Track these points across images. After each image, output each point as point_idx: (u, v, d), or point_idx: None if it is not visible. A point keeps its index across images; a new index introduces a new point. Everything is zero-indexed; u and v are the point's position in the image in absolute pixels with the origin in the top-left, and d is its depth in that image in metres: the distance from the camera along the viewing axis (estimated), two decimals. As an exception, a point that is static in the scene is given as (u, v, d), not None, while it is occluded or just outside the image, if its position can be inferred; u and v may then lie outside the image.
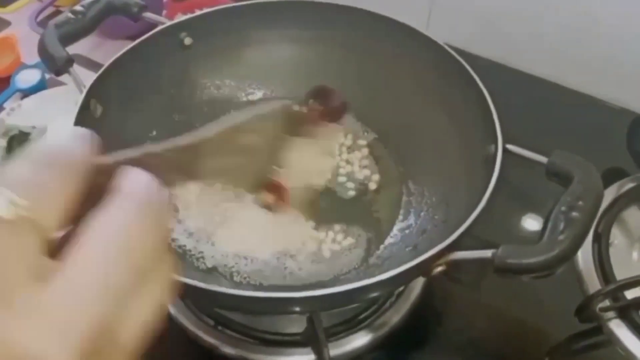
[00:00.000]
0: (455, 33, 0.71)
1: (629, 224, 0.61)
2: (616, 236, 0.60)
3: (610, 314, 0.53)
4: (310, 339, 0.51)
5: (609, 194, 0.62)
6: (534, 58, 0.78)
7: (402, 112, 0.60)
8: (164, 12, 0.83)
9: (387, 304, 0.55)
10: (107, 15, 0.59)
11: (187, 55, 0.61)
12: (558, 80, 0.78)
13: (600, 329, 0.53)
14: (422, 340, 0.55)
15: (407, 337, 0.54)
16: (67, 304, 0.17)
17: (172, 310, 0.54)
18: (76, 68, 0.55)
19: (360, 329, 0.53)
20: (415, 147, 0.59)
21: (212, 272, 0.53)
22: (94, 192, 0.19)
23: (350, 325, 0.53)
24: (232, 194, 0.56)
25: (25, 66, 0.79)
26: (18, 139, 0.68)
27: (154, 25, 0.59)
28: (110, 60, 0.54)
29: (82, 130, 0.20)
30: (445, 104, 0.56)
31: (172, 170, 0.24)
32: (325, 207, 0.58)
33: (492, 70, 0.79)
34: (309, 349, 0.51)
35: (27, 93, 0.76)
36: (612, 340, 0.53)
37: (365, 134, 0.63)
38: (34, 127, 0.69)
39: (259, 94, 0.66)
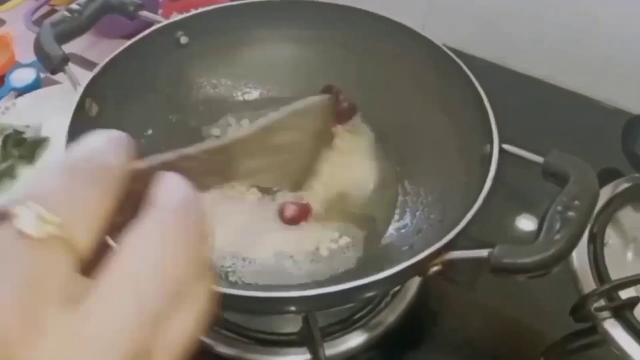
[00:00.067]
0: (453, 33, 0.71)
1: (624, 224, 0.62)
2: (611, 236, 0.60)
3: (605, 313, 0.54)
4: (305, 339, 0.51)
5: (604, 194, 0.62)
6: (531, 59, 0.79)
7: (400, 112, 0.60)
8: (160, 11, 0.83)
9: (383, 304, 0.55)
10: (103, 13, 0.59)
11: (183, 54, 0.61)
12: (554, 80, 0.78)
13: (595, 328, 0.54)
14: (417, 340, 0.55)
15: (403, 337, 0.54)
16: (101, 327, 0.15)
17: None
18: (71, 67, 0.54)
19: (355, 329, 0.53)
20: (413, 146, 0.59)
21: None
22: (128, 199, 0.18)
23: (345, 325, 0.53)
24: (231, 194, 0.55)
25: (20, 65, 0.78)
26: (12, 138, 0.67)
27: (149, 24, 0.59)
28: (106, 59, 0.54)
29: (117, 134, 0.19)
30: (442, 104, 0.56)
31: (207, 172, 0.23)
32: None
33: (488, 70, 0.79)
34: (304, 349, 0.51)
35: (21, 92, 0.75)
36: (607, 340, 0.53)
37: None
38: (28, 126, 0.69)
39: (255, 94, 0.66)
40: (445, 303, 0.58)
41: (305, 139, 0.29)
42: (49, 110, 0.69)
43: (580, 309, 0.53)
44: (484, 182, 0.45)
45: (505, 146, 0.48)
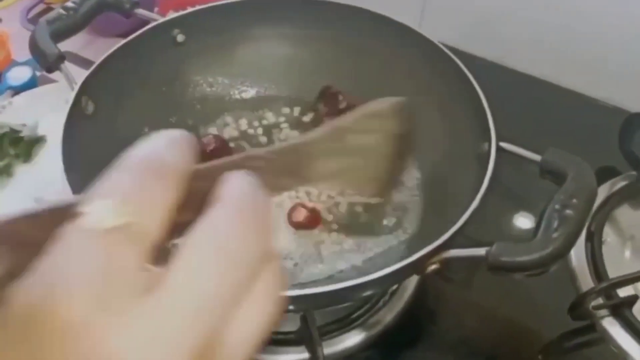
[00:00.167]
0: (450, 32, 0.71)
1: (621, 222, 0.62)
2: (609, 234, 0.60)
3: (603, 311, 0.54)
4: (304, 338, 0.51)
5: (602, 193, 0.62)
6: (528, 57, 0.79)
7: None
8: (156, 9, 0.82)
9: (381, 303, 0.55)
10: (99, 11, 0.59)
11: (180, 52, 0.61)
12: (552, 79, 0.78)
13: (593, 326, 0.54)
14: (415, 338, 0.55)
15: (401, 336, 0.54)
16: (171, 317, 0.16)
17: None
18: (67, 65, 0.54)
19: (353, 328, 0.53)
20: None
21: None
22: (193, 198, 0.18)
23: (344, 324, 0.53)
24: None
25: (16, 63, 0.78)
26: (9, 137, 0.67)
27: (145, 22, 0.59)
28: (102, 57, 0.54)
29: (178, 133, 0.19)
30: (440, 102, 0.56)
31: (278, 173, 0.23)
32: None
33: (486, 68, 0.79)
34: (302, 348, 0.51)
35: (17, 90, 0.75)
36: (605, 338, 0.53)
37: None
38: (24, 125, 0.68)
39: (251, 92, 0.66)
40: (442, 302, 0.58)
41: (382, 143, 0.28)
42: (45, 109, 0.69)
43: (578, 307, 0.53)
44: (481, 181, 0.45)
45: (503, 144, 0.48)
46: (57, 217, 0.17)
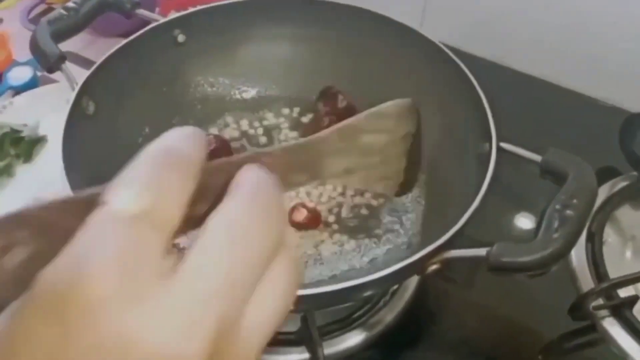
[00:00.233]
0: (451, 32, 0.71)
1: (622, 223, 0.62)
2: (609, 235, 0.60)
3: (604, 312, 0.54)
4: (304, 338, 0.51)
5: (602, 193, 0.62)
6: (529, 57, 0.79)
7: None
8: (157, 9, 0.82)
9: (381, 303, 0.55)
10: (100, 11, 0.58)
11: (180, 52, 0.61)
12: (552, 79, 0.78)
13: (593, 327, 0.54)
14: (415, 339, 0.55)
15: (401, 336, 0.54)
16: (192, 300, 0.17)
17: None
18: (68, 65, 0.54)
19: (354, 328, 0.53)
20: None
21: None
22: (204, 193, 0.19)
23: (344, 324, 0.53)
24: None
25: (17, 63, 0.78)
26: (9, 137, 0.67)
27: (146, 22, 0.59)
28: (103, 57, 0.54)
29: (194, 129, 0.20)
30: (440, 102, 0.56)
31: (291, 169, 0.23)
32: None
33: (486, 69, 0.79)
34: (303, 348, 0.51)
35: (18, 90, 0.75)
36: (606, 339, 0.53)
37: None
38: (25, 125, 0.68)
39: (252, 92, 0.66)
40: (443, 302, 0.58)
41: (393, 143, 0.29)
42: (46, 109, 0.69)
43: (578, 307, 0.53)
44: (482, 181, 0.45)
45: (504, 145, 0.48)
46: (82, 205, 0.18)
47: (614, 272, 0.56)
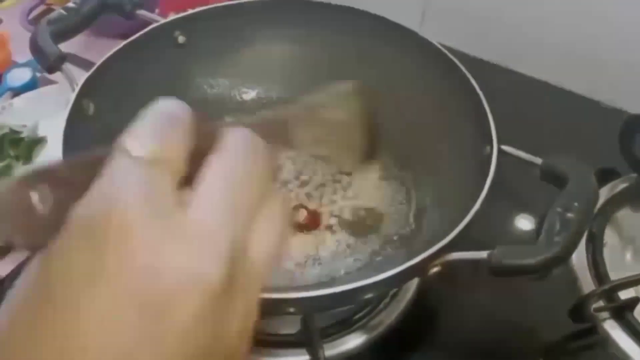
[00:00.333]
0: (451, 34, 0.71)
1: (623, 225, 0.62)
2: (610, 236, 0.60)
3: (604, 314, 0.54)
4: (304, 340, 0.51)
5: (602, 195, 0.62)
6: (529, 59, 0.79)
7: (396, 112, 0.60)
8: (157, 10, 0.82)
9: (382, 305, 0.55)
10: (100, 12, 0.58)
11: (181, 53, 0.61)
12: (552, 81, 0.78)
13: (594, 329, 0.54)
14: (416, 340, 0.55)
15: (402, 338, 0.54)
16: (207, 227, 0.20)
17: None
18: (68, 66, 0.54)
19: (354, 330, 0.53)
20: (410, 147, 0.59)
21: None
22: (195, 155, 0.22)
23: (344, 326, 0.53)
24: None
25: (16, 64, 0.78)
26: (9, 138, 0.67)
27: (147, 23, 0.59)
28: (103, 58, 0.54)
29: (179, 101, 0.23)
30: (440, 105, 0.56)
31: (266, 136, 0.26)
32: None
33: (486, 71, 0.79)
34: (303, 350, 0.51)
35: (18, 92, 0.75)
36: (606, 341, 0.53)
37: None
38: (24, 126, 0.68)
39: (252, 94, 0.66)
40: (444, 304, 0.57)
41: (350, 118, 0.33)
42: (45, 110, 0.68)
43: (579, 309, 0.53)
44: (483, 184, 0.45)
45: (504, 147, 0.48)
46: (91, 163, 0.21)
47: (615, 274, 0.56)
